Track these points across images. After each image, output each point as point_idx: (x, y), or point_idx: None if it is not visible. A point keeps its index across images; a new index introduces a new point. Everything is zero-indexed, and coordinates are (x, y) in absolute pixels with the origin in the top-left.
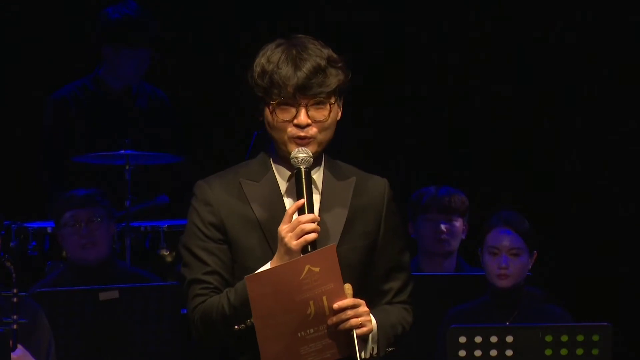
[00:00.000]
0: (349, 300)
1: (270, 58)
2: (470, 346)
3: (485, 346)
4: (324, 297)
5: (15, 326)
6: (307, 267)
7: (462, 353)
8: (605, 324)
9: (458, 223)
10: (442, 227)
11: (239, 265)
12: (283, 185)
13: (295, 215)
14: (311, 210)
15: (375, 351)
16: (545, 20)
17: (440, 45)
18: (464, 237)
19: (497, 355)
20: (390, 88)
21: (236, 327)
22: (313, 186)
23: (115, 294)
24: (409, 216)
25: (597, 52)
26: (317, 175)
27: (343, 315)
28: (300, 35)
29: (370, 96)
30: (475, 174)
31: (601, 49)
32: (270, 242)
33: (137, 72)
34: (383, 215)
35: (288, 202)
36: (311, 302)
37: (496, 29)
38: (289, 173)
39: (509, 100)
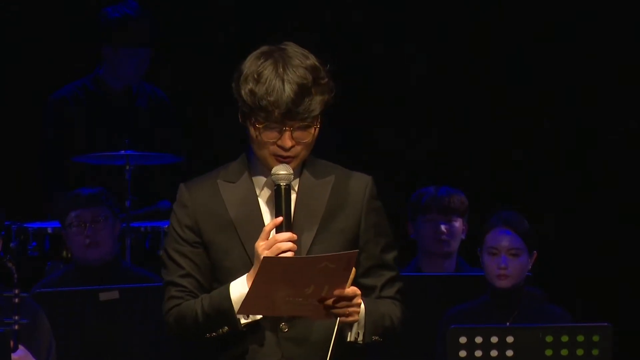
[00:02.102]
0: (349, 290)
1: (259, 78)
2: (470, 346)
3: (486, 346)
4: (326, 286)
5: (16, 327)
6: (324, 263)
7: (462, 353)
8: (605, 324)
9: (458, 223)
10: (442, 227)
11: (215, 266)
12: (259, 187)
13: (273, 233)
14: (289, 228)
15: (360, 337)
16: (545, 19)
17: (440, 44)
18: (463, 237)
19: (497, 355)
20: (389, 88)
21: (208, 334)
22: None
23: (115, 295)
24: (409, 217)
25: (597, 52)
26: (295, 176)
27: (337, 304)
28: (283, 46)
29: (370, 96)
30: (476, 174)
31: (601, 49)
32: (244, 242)
33: (137, 72)
34: (363, 213)
35: (263, 204)
36: (312, 286)
37: (496, 28)
38: (264, 176)
39: (509, 100)
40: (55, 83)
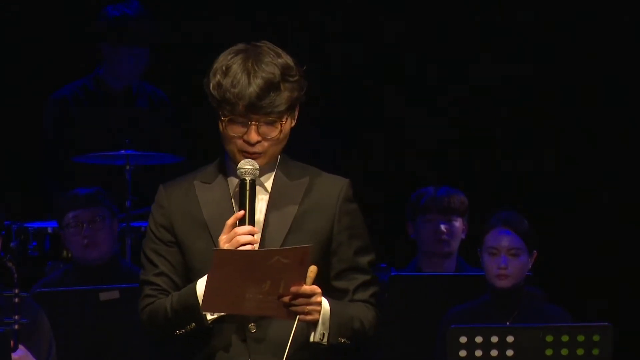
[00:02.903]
0: (306, 288)
1: (227, 71)
2: (470, 346)
3: (486, 346)
4: (282, 282)
5: (16, 326)
6: (276, 257)
7: (462, 353)
8: (606, 324)
9: (457, 223)
10: (442, 227)
11: (188, 266)
12: (233, 188)
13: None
14: (252, 222)
15: (325, 338)
16: (548, 18)
17: (440, 44)
18: (463, 237)
19: (497, 355)
20: (389, 88)
21: (177, 331)
22: (262, 187)
23: (115, 294)
24: (408, 217)
25: (598, 52)
26: (269, 177)
27: (294, 301)
28: (259, 44)
29: (369, 96)
30: (475, 173)
31: (601, 48)
32: (215, 243)
33: (133, 71)
34: (336, 215)
35: (235, 205)
36: (269, 281)
37: (496, 27)
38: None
39: (509, 100)
40: (55, 83)
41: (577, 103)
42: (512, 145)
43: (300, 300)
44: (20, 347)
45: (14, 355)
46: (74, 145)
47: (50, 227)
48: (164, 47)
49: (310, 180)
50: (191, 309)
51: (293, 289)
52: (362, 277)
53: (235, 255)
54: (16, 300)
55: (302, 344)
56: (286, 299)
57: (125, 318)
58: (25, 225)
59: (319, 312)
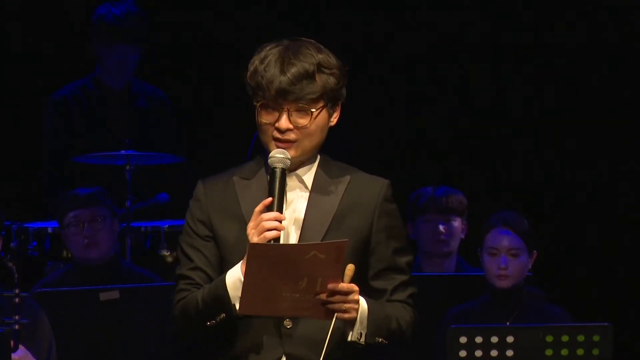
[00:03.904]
0: (343, 285)
1: (264, 59)
2: (470, 346)
3: (486, 346)
4: (319, 279)
5: (16, 326)
6: (313, 252)
7: (462, 353)
8: (606, 324)
9: (457, 223)
10: (441, 227)
11: (224, 260)
12: None
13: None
14: (280, 210)
15: (362, 337)
16: (544, 20)
17: (440, 44)
18: (463, 236)
19: (497, 355)
20: (390, 88)
21: (208, 322)
22: (302, 185)
23: (115, 294)
24: (408, 217)
25: (595, 51)
26: (309, 175)
27: (331, 298)
28: (301, 39)
29: (369, 96)
30: (475, 174)
31: (599, 47)
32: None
33: (124, 69)
34: (375, 214)
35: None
36: (306, 278)
37: (497, 28)
38: None
39: (509, 99)
40: (55, 83)
41: (577, 103)
42: (512, 144)
43: (338, 297)
44: (20, 347)
45: (14, 355)
46: (74, 145)
47: (50, 227)
48: (164, 47)
49: (350, 180)
50: (220, 299)
51: (330, 286)
52: (400, 278)
53: (271, 249)
54: (16, 300)
55: (338, 342)
56: (323, 296)
57: (125, 318)
58: (25, 225)
59: (357, 310)
